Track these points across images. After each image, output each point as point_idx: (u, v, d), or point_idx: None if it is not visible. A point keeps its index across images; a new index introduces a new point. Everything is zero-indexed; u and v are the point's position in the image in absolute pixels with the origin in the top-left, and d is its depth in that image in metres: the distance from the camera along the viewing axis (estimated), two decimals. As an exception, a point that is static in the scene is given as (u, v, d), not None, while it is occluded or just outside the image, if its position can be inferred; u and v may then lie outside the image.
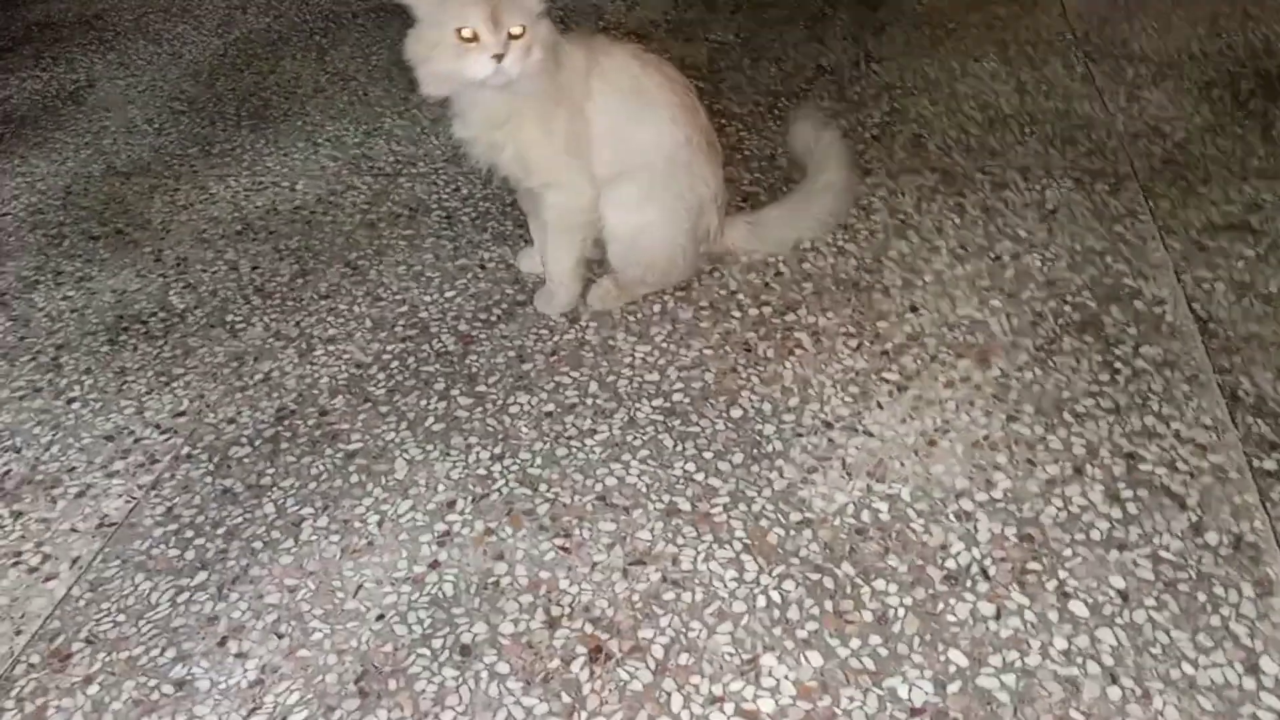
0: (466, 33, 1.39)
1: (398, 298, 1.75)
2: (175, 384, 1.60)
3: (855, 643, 1.13)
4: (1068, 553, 1.21)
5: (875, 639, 1.14)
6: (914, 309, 1.62)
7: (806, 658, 1.12)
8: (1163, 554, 1.20)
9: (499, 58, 1.39)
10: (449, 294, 1.75)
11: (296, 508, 1.37)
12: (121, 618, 1.23)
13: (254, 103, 2.47)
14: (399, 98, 2.45)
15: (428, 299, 1.74)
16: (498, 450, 1.43)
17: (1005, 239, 1.76)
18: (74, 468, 1.45)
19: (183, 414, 1.54)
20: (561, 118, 1.50)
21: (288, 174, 2.16)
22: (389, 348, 1.64)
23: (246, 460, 1.45)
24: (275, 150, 2.25)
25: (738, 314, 1.65)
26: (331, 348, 1.65)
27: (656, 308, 1.68)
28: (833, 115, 2.21)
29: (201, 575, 1.29)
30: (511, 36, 1.40)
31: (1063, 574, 1.19)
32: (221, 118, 2.41)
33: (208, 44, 2.81)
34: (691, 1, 2.87)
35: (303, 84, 2.55)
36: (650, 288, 1.68)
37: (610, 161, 1.55)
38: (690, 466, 1.37)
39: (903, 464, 1.35)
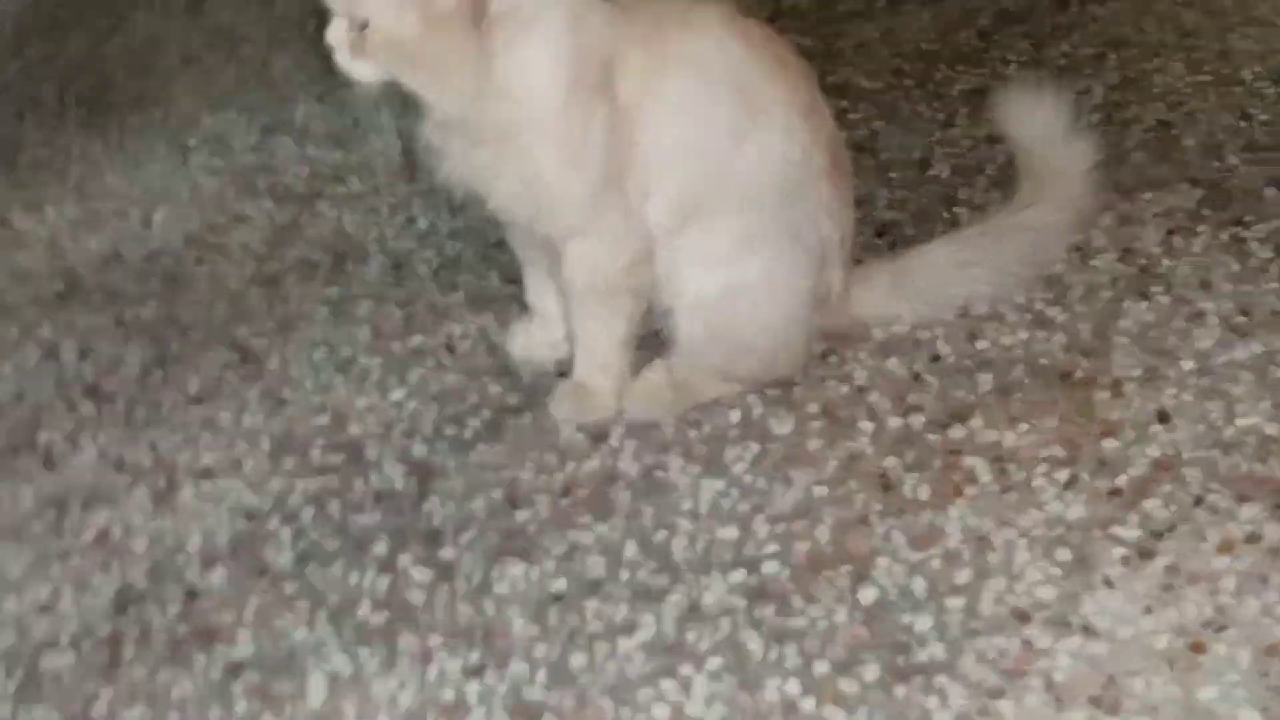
0: None
1: (313, 402, 1.82)
2: (-44, 547, 1.66)
3: None
4: None
5: None
6: (1163, 417, 1.65)
7: None
8: None
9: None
10: (395, 395, 1.81)
11: (147, 755, 1.41)
12: None
13: (86, 82, 2.59)
14: (317, 71, 2.55)
15: (361, 403, 1.81)
16: (475, 658, 1.46)
17: (1315, 297, 1.79)
18: None
19: (-33, 597, 1.60)
20: (598, 131, 1.57)
21: (139, 197, 2.26)
22: (298, 485, 1.69)
23: (67, 675, 1.49)
24: (119, 158, 2.36)
25: (869, 427, 1.68)
26: (206, 485, 1.71)
27: (734, 416, 1.72)
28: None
29: None
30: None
31: None
32: (35, 106, 2.53)
33: (14, -14, 2.97)
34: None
35: (164, 49, 2.66)
36: (733, 386, 1.73)
37: (685, 193, 1.62)
38: (793, 687, 1.40)
39: (1149, 683, 1.36)
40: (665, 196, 1.62)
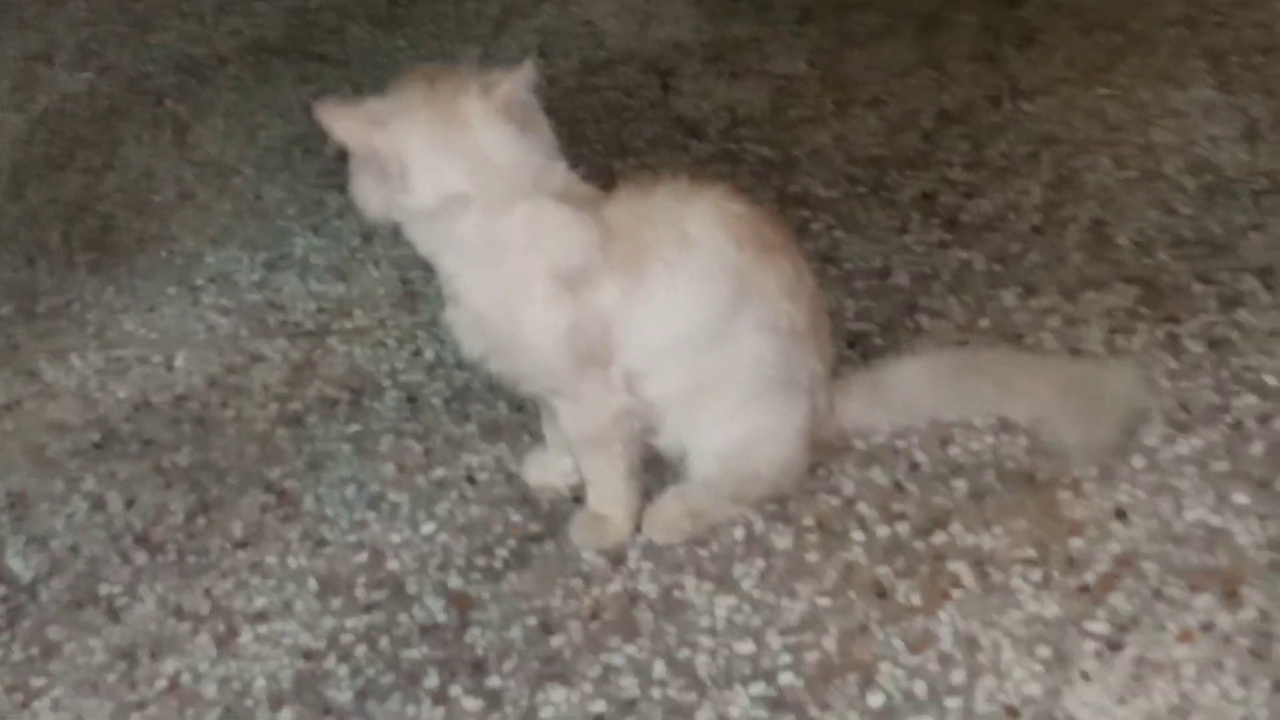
0: None
1: (350, 539, 1.97)
2: (38, 702, 1.79)
3: None
4: None
5: None
6: (1120, 514, 1.83)
7: None
8: None
9: None
10: (426, 529, 1.97)
11: None
12: None
13: (89, 222, 2.72)
14: (309, 200, 2.70)
15: (396, 539, 1.96)
16: (531, 782, 1.62)
17: (1247, 391, 1.97)
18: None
19: (57, 752, 1.74)
20: (559, 331, 1.75)
21: (158, 342, 2.39)
22: (348, 623, 1.84)
23: (163, 822, 1.64)
24: (134, 301, 2.50)
25: (860, 537, 1.85)
26: (263, 629, 1.85)
27: (738, 533, 1.88)
28: (966, 194, 2.46)
29: None
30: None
31: None
32: (43, 251, 2.66)
33: (2, 124, 3.09)
34: (736, 8, 3.15)
35: (159, 184, 2.81)
36: (741, 507, 1.90)
37: (688, 377, 1.81)
38: (817, 791, 1.57)
39: (1129, 769, 1.54)
40: (668, 379, 1.80)
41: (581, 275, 1.75)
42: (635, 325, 1.78)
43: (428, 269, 1.89)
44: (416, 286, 2.42)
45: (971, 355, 2.06)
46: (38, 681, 1.82)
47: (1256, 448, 1.89)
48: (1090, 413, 1.89)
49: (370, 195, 1.73)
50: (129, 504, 2.07)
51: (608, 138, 2.77)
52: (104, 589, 1.94)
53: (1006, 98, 2.70)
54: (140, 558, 1.98)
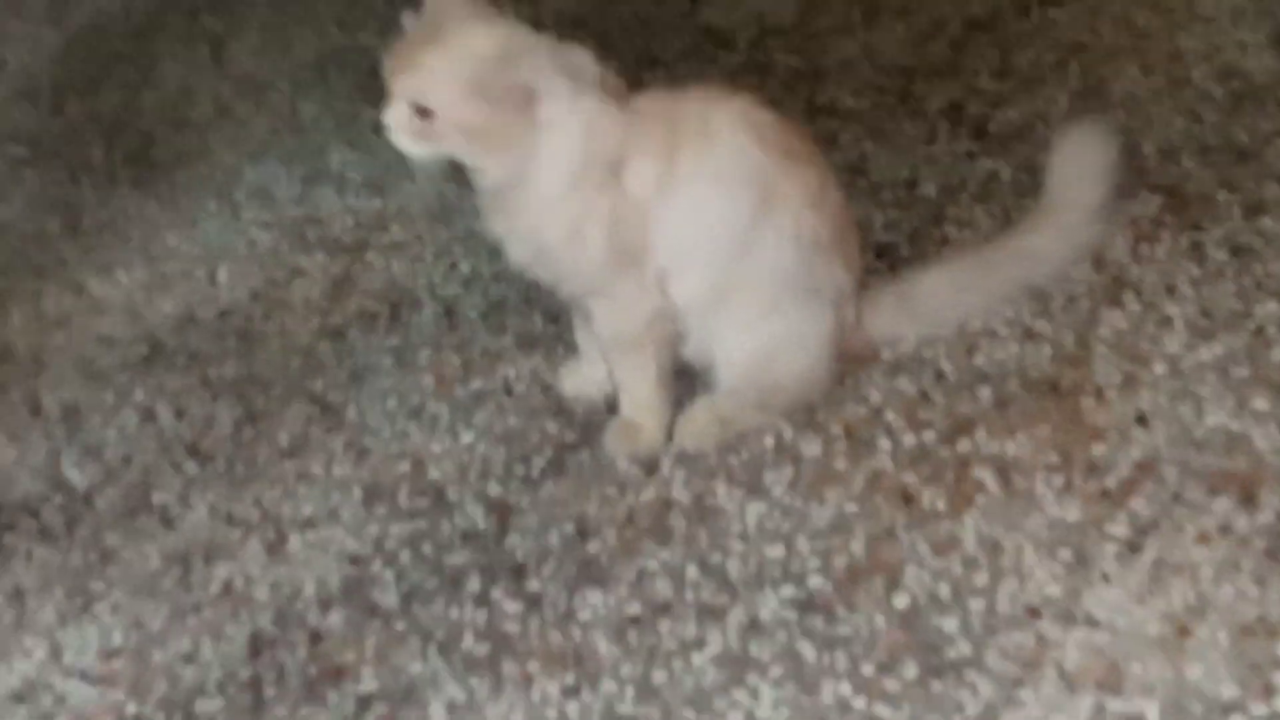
0: None
1: (393, 449, 2.03)
2: (98, 606, 1.87)
3: None
4: (1387, 785, 1.45)
5: None
6: (1142, 420, 1.86)
7: None
8: None
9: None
10: (466, 439, 2.03)
11: (299, 783, 1.64)
12: None
13: (130, 138, 2.77)
14: (344, 115, 2.74)
15: (436, 448, 2.02)
16: (570, 680, 1.68)
17: (1269, 297, 1.99)
18: (-26, 744, 1.73)
19: (118, 653, 1.81)
20: (597, 221, 1.78)
21: (201, 256, 2.45)
22: (392, 529, 1.91)
23: (220, 718, 1.72)
24: (175, 216, 2.55)
25: (887, 444, 1.90)
26: (311, 535, 1.92)
27: (768, 441, 1.93)
28: (993, 103, 2.47)
29: None
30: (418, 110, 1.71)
31: (1381, 817, 1.43)
32: (86, 168, 2.71)
33: (40, 40, 3.13)
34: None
35: (196, 100, 2.85)
36: (769, 416, 1.95)
37: (709, 278, 1.84)
38: (845, 688, 1.62)
39: (1145, 665, 1.58)
40: (692, 281, 1.84)
41: (618, 163, 1.77)
42: (665, 221, 1.81)
43: (463, 183, 1.93)
44: (451, 201, 2.46)
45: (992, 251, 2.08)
46: (97, 586, 1.90)
47: (1277, 354, 1.91)
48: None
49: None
50: (178, 415, 2.14)
51: (637, 49, 2.79)
52: (157, 497, 2.01)
53: (1034, 5, 2.69)
54: (191, 467, 2.05)
